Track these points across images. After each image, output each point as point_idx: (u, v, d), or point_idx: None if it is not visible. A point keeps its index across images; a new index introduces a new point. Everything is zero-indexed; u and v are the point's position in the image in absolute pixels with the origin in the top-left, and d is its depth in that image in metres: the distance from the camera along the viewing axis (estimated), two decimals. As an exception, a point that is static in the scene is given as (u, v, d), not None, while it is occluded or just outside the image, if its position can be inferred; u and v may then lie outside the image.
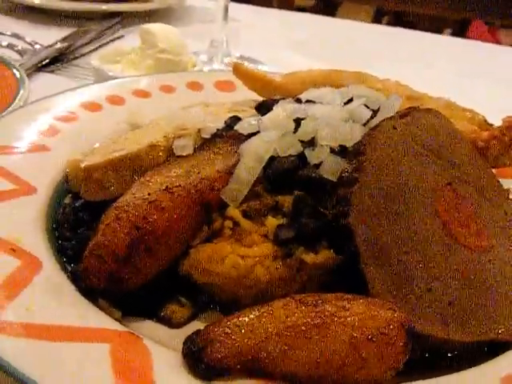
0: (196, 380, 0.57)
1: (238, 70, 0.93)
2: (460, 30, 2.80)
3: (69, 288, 0.67)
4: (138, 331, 0.63)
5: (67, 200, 0.84)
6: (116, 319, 0.65)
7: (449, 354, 0.66)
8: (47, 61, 1.29)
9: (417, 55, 1.62)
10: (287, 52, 1.54)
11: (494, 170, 0.84)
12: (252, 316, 0.59)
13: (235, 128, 0.79)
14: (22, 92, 1.02)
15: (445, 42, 1.90)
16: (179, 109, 0.98)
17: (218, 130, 0.80)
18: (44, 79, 1.26)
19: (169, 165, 0.75)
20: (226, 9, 1.43)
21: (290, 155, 0.71)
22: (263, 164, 0.71)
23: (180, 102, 1.02)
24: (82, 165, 0.78)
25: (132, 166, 0.77)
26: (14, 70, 1.11)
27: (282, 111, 0.75)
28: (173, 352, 0.60)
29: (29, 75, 1.21)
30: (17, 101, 1.00)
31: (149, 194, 0.67)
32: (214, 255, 0.67)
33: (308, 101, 0.79)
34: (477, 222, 0.75)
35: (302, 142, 0.73)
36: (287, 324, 0.58)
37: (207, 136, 0.80)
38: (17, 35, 1.43)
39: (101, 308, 0.65)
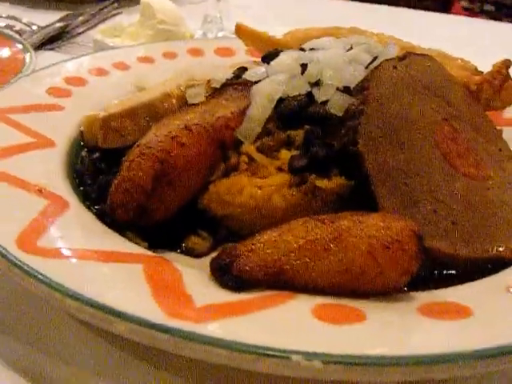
0: (226, 291, 0.61)
1: (240, 29, 0.98)
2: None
3: (97, 223, 0.71)
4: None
5: (83, 153, 0.88)
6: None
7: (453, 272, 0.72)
8: (47, 39, 1.33)
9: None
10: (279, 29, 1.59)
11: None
12: (274, 234, 0.64)
13: (243, 76, 0.84)
14: (29, 61, 1.06)
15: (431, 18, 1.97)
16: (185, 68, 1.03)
17: (227, 79, 0.84)
18: (46, 56, 1.30)
19: (183, 111, 0.80)
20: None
21: (299, 94, 0.76)
22: (274, 104, 0.76)
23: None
24: (100, 115, 0.82)
25: (147, 114, 0.81)
26: (18, 44, 1.15)
27: (288, 57, 0.80)
28: (200, 271, 0.64)
29: (30, 53, 1.26)
30: (25, 69, 1.03)
31: (170, 132, 0.72)
32: (231, 187, 0.72)
33: (311, 49, 0.84)
34: (474, 155, 0.80)
35: (308, 83, 0.78)
36: (307, 238, 0.63)
37: (217, 86, 0.84)
38: (13, 17, 1.46)
39: (129, 239, 0.70)
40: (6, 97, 0.92)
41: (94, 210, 0.75)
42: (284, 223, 0.68)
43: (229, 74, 0.86)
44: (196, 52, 1.13)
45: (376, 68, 0.77)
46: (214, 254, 0.71)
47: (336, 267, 0.62)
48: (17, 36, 1.19)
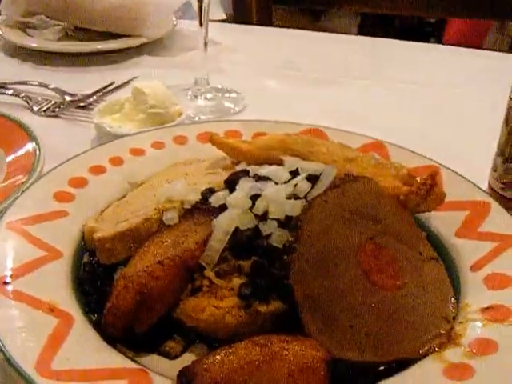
0: (186, 402, 0.90)
1: (213, 140, 1.24)
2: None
3: (94, 336, 0.99)
4: (146, 363, 0.97)
5: (85, 258, 1.16)
6: (130, 357, 0.98)
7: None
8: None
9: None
10: (267, 78, 1.86)
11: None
12: (222, 355, 0.92)
13: (209, 200, 1.11)
14: (38, 163, 1.33)
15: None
16: (170, 165, 1.31)
17: (196, 202, 1.12)
18: (50, 123, 1.60)
19: (160, 234, 1.08)
20: (206, 44, 1.73)
21: (248, 228, 1.03)
22: (229, 236, 1.03)
23: (169, 158, 1.35)
24: (96, 236, 1.10)
25: (133, 237, 1.09)
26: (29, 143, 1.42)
27: (242, 191, 1.07)
28: (170, 381, 0.93)
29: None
30: (37, 169, 1.31)
31: (146, 267, 1.00)
32: (196, 306, 1.00)
33: (263, 177, 1.10)
34: (393, 266, 1.06)
35: (257, 215, 1.04)
36: (246, 360, 0.90)
37: (188, 207, 1.12)
38: (41, 83, 1.76)
39: (118, 350, 0.99)
40: (20, 207, 1.19)
41: (93, 321, 1.04)
42: (235, 334, 0.97)
43: (198, 195, 1.13)
44: (181, 140, 1.40)
45: (309, 205, 1.03)
46: (186, 355, 1.02)
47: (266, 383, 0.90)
48: (29, 129, 1.44)
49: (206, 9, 1.64)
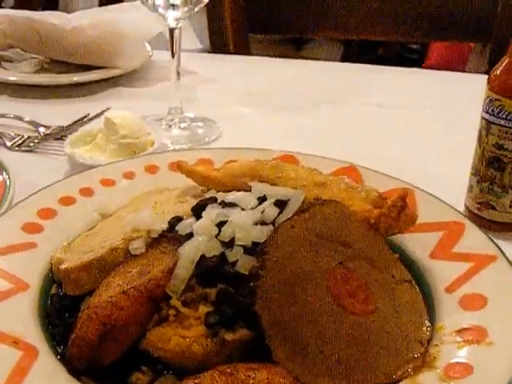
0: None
1: (181, 168, 1.24)
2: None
3: (59, 369, 0.97)
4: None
5: (53, 290, 1.14)
6: (95, 391, 0.97)
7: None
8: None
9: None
10: (242, 106, 1.86)
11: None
12: (189, 386, 0.91)
13: (176, 229, 1.09)
14: (9, 192, 1.32)
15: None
16: (140, 195, 1.30)
17: (163, 231, 1.11)
18: (23, 158, 1.60)
19: (126, 264, 1.07)
20: (178, 74, 1.73)
21: (214, 255, 1.02)
22: (194, 264, 1.01)
23: (140, 188, 1.34)
24: (62, 267, 1.09)
25: (99, 267, 1.08)
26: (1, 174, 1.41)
27: (208, 218, 1.06)
28: (135, 415, 0.91)
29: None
30: (7, 201, 1.30)
31: (111, 297, 0.98)
32: (162, 337, 0.98)
33: (230, 204, 1.10)
34: (364, 290, 1.05)
35: (223, 242, 1.03)
36: (213, 391, 0.89)
37: (155, 236, 1.11)
38: (17, 116, 1.77)
39: (83, 382, 0.97)
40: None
41: (60, 351, 1.02)
42: (202, 364, 0.95)
43: (165, 223, 1.12)
44: (152, 169, 1.39)
45: (276, 230, 1.02)
46: (153, 385, 1.00)
47: (233, 413, 0.88)
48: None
49: (177, 39, 1.65)
